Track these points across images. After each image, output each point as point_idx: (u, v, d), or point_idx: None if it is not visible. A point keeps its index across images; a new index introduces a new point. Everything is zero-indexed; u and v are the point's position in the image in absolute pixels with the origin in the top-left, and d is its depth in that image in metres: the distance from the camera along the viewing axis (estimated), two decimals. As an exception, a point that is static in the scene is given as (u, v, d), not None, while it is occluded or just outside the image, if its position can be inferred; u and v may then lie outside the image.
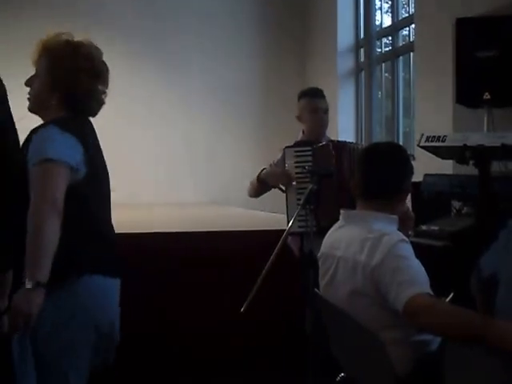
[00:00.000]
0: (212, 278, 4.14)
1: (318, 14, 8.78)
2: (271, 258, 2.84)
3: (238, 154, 8.63)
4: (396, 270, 2.32)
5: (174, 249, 4.13)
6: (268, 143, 7.43)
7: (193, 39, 8.65)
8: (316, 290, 2.75)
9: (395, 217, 2.61)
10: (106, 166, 2.64)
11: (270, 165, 4.12)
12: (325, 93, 4.20)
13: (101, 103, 2.63)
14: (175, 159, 8.53)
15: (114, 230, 2.64)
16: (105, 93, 2.62)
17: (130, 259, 3.88)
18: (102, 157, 2.64)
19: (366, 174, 2.64)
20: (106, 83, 2.62)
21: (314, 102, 4.07)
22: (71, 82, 2.50)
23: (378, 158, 2.67)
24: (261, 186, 4.07)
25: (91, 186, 2.46)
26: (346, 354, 2.69)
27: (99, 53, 2.62)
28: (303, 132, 4.16)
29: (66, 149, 2.37)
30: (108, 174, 2.66)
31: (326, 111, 4.12)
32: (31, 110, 2.57)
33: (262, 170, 4.07)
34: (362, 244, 2.44)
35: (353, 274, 2.46)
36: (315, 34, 8.82)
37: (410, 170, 2.68)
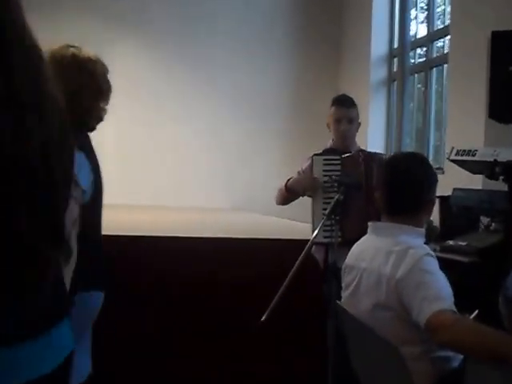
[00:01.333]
0: (233, 286, 4.12)
1: (352, 22, 8.75)
2: (294, 267, 2.82)
3: (265, 161, 8.63)
4: (420, 285, 2.30)
5: (196, 254, 4.12)
6: (296, 150, 7.41)
7: (225, 45, 8.67)
8: (338, 301, 2.73)
9: (422, 230, 2.60)
10: (102, 180, 2.62)
11: (298, 172, 4.11)
12: (356, 102, 4.13)
13: (99, 120, 2.62)
14: (201, 164, 8.55)
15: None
16: (105, 110, 2.62)
17: (136, 261, 3.97)
18: (100, 170, 2.61)
19: (389, 191, 2.62)
20: (107, 100, 2.62)
21: (339, 111, 4.00)
22: (72, 97, 2.34)
23: (399, 172, 2.63)
24: (288, 194, 4.06)
25: (93, 208, 2.49)
26: (367, 367, 2.67)
27: (105, 69, 2.62)
28: (332, 140, 4.13)
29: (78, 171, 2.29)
30: (102, 187, 2.62)
31: (352, 121, 4.01)
32: None
33: (290, 179, 4.06)
34: (388, 256, 2.43)
35: (377, 287, 2.44)
36: (349, 42, 8.80)
37: (433, 180, 2.65)
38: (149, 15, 8.35)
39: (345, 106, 4.01)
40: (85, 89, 2.49)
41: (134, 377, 3.91)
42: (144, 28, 8.36)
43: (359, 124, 4.11)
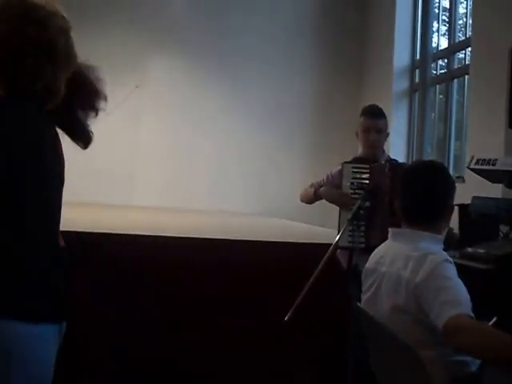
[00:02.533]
0: (259, 288, 4.19)
1: (375, 34, 8.81)
2: (317, 269, 2.88)
3: (290, 169, 8.72)
4: (439, 290, 2.32)
5: (221, 257, 4.19)
6: (321, 160, 7.50)
7: (253, 57, 8.79)
8: (358, 303, 2.78)
9: (441, 236, 2.63)
10: (57, 167, 1.97)
11: (327, 176, 4.18)
12: (381, 112, 4.21)
13: (55, 90, 1.94)
14: (229, 170, 8.68)
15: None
16: (59, 79, 1.94)
17: (163, 262, 4.05)
18: (56, 157, 1.97)
19: (407, 199, 2.66)
20: (64, 65, 1.95)
21: (368, 121, 4.05)
22: (10, 53, 1.87)
23: (417, 180, 2.66)
24: (316, 199, 4.15)
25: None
26: (385, 369, 2.71)
27: (62, 23, 1.96)
28: (361, 149, 4.18)
29: None
30: (60, 177, 1.99)
31: (380, 131, 4.05)
32: None
33: (321, 186, 4.13)
34: (407, 261, 2.46)
35: (396, 290, 2.48)
36: (372, 54, 8.86)
37: (451, 188, 2.66)
38: (179, 32, 8.52)
39: (374, 117, 4.05)
40: (28, 42, 1.87)
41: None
42: (175, 45, 8.53)
43: (388, 134, 4.16)
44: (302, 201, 4.27)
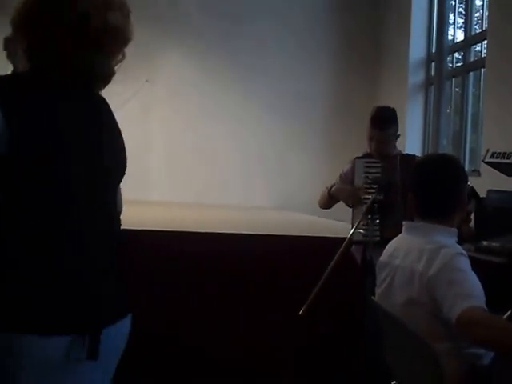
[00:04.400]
0: (272, 281, 4.21)
1: (391, 27, 8.79)
2: (331, 263, 2.90)
3: (307, 163, 8.72)
4: (452, 283, 2.33)
5: (238, 250, 4.22)
6: (337, 153, 7.49)
7: (269, 49, 8.78)
8: (372, 297, 2.80)
9: (454, 229, 2.63)
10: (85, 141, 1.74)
11: (340, 175, 4.20)
12: (394, 105, 4.16)
13: (78, 65, 1.71)
14: (249, 164, 8.70)
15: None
16: (88, 52, 1.72)
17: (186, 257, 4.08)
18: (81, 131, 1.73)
19: (420, 192, 2.65)
20: (87, 36, 1.71)
21: (372, 131, 4.02)
22: (29, 22, 1.70)
23: (429, 173, 2.66)
24: (331, 200, 4.17)
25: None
26: (399, 362, 2.72)
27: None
28: None
29: None
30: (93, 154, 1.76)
31: (383, 142, 4.00)
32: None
33: (333, 186, 4.15)
34: (420, 254, 2.47)
35: (409, 282, 2.48)
36: (388, 46, 8.84)
37: (463, 180, 2.65)
38: (190, 25, 8.53)
39: (378, 128, 4.00)
40: (45, 10, 1.69)
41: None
42: (186, 39, 8.55)
43: (398, 136, 4.12)
44: (320, 206, 4.29)
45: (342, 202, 4.17)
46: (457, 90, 7.65)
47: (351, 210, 3.96)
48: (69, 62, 1.69)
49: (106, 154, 1.80)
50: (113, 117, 1.88)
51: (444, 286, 2.34)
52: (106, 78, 1.79)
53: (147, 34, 7.94)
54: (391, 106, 4.17)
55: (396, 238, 2.77)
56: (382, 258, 2.76)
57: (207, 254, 4.10)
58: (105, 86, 1.81)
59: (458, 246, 2.54)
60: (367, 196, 3.67)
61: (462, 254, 2.46)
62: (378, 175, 3.82)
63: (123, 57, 1.82)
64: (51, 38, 1.67)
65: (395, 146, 4.15)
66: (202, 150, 8.59)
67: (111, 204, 1.86)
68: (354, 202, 3.95)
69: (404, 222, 2.76)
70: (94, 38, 1.70)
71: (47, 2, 1.68)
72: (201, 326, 4.08)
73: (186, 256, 4.06)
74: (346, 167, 4.14)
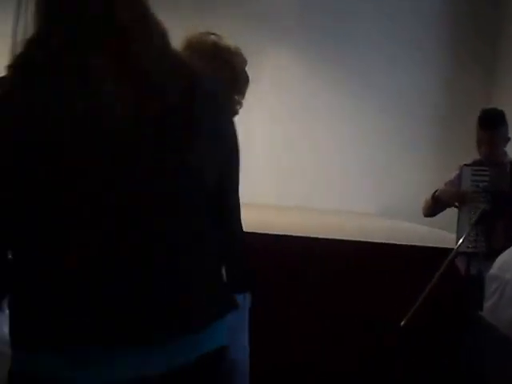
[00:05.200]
0: (374, 290, 4.15)
1: (509, 35, 8.51)
2: (436, 275, 2.82)
3: (413, 168, 8.55)
4: None
5: (334, 257, 4.17)
6: (444, 161, 7.29)
7: (380, 50, 8.66)
8: (480, 311, 2.70)
9: None
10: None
11: (445, 183, 4.11)
12: (507, 113, 4.04)
13: (233, 113, 2.32)
14: (350, 168, 8.60)
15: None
16: (240, 103, 2.43)
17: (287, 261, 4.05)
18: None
19: None
20: (242, 94, 2.44)
21: (481, 134, 3.94)
22: None
23: None
24: (435, 205, 4.08)
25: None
26: (503, 381, 2.62)
27: (244, 62, 2.45)
28: None
29: None
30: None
31: (493, 144, 3.90)
32: None
33: (436, 191, 4.07)
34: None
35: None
36: (506, 48, 8.56)
37: None
38: (300, 24, 8.52)
39: (487, 129, 3.91)
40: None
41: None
42: (295, 36, 8.54)
43: (508, 139, 4.01)
44: (424, 214, 4.22)
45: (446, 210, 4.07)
46: None
47: (456, 219, 3.84)
48: None
49: None
50: None
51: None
52: None
53: (251, 32, 8.00)
54: (508, 109, 4.04)
55: (507, 251, 2.67)
56: (491, 271, 2.68)
57: (307, 260, 4.07)
58: None
59: None
60: (477, 205, 3.55)
61: None
62: (486, 183, 3.71)
63: None
64: None
65: (506, 153, 4.02)
66: (306, 153, 8.53)
67: None
68: (459, 201, 3.84)
69: (515, 234, 2.67)
70: None
71: None
72: (308, 339, 4.05)
73: (285, 260, 4.04)
74: (453, 174, 4.05)
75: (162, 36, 1.37)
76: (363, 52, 8.63)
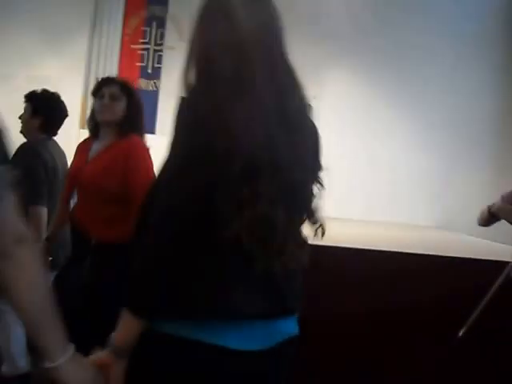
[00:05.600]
0: (432, 302, 4.16)
1: None
2: (494, 286, 2.85)
3: (470, 182, 8.52)
4: None
5: (398, 269, 4.20)
6: (503, 173, 7.27)
7: (438, 69, 8.67)
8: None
9: None
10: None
11: (502, 195, 4.12)
12: None
13: None
14: (409, 180, 8.62)
15: None
16: None
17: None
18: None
19: None
20: None
21: None
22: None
23: None
24: (491, 218, 4.10)
25: None
26: None
27: None
28: None
29: None
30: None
31: None
32: None
33: (494, 204, 4.08)
34: None
35: None
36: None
37: None
38: (357, 45, 8.60)
39: None
40: None
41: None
42: (352, 58, 8.62)
43: None
44: (479, 223, 4.23)
45: (502, 222, 4.09)
46: None
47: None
48: None
49: None
50: None
51: None
52: None
53: (314, 50, 8.09)
54: None
55: None
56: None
57: (370, 273, 4.12)
58: None
59: None
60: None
61: None
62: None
63: None
64: None
65: None
66: (368, 166, 8.60)
67: None
68: None
69: None
70: None
71: None
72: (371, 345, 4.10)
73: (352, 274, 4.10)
74: (510, 188, 4.06)
75: None
76: (424, 68, 8.67)
